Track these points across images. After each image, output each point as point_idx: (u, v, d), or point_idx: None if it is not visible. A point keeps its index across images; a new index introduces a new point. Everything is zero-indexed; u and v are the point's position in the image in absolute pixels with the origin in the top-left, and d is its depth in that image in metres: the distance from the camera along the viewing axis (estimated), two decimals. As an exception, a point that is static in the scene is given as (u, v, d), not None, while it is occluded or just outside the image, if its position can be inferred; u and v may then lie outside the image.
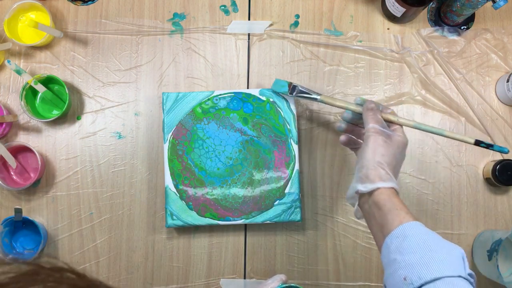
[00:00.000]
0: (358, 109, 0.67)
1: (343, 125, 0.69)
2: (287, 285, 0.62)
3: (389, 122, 0.64)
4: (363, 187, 0.59)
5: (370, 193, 0.59)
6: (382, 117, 0.64)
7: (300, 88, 0.75)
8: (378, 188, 0.58)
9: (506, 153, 0.65)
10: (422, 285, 0.49)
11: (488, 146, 0.64)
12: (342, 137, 0.70)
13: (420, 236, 0.53)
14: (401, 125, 0.64)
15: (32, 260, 0.76)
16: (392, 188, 0.59)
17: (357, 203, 0.62)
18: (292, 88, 0.75)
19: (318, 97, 0.72)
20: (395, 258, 0.52)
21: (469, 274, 0.50)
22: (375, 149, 0.60)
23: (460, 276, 0.49)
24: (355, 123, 0.69)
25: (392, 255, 0.53)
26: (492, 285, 0.81)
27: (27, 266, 0.33)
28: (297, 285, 0.62)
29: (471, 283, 0.50)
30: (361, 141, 0.68)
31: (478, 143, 0.64)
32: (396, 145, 0.61)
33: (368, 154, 0.60)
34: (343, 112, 0.69)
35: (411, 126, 0.65)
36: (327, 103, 0.72)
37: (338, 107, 0.70)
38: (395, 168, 0.61)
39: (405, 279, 0.50)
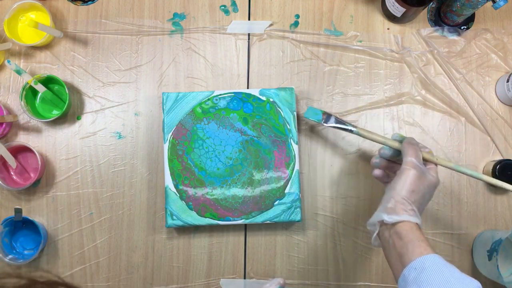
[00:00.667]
0: (396, 145, 0.67)
1: (379, 161, 0.69)
2: None
3: (425, 161, 0.65)
4: (388, 218, 0.60)
5: (393, 223, 0.61)
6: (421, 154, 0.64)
7: (335, 118, 0.72)
8: (403, 221, 0.60)
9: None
10: None
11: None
12: (377, 172, 0.70)
13: (438, 269, 0.54)
14: (438, 164, 0.66)
15: (32, 260, 0.76)
16: (417, 223, 0.60)
17: (377, 231, 0.63)
18: (327, 117, 0.73)
19: (354, 129, 0.71)
20: None
21: None
22: (407, 183, 0.61)
23: None
24: (392, 159, 0.69)
25: (409, 287, 0.54)
26: (492, 285, 0.81)
27: (22, 280, 0.33)
28: None
29: None
30: (394, 174, 0.68)
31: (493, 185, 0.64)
32: (427, 184, 0.62)
33: (399, 186, 0.61)
34: (381, 148, 0.69)
35: (449, 167, 0.67)
36: (364, 136, 0.71)
37: (376, 141, 0.69)
38: (421, 206, 0.62)
39: None
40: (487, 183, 0.68)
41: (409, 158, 0.62)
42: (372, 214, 0.82)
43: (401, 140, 0.67)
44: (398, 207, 0.60)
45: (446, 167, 0.66)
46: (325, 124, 0.73)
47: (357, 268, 0.81)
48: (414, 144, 0.64)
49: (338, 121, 0.73)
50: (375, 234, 0.63)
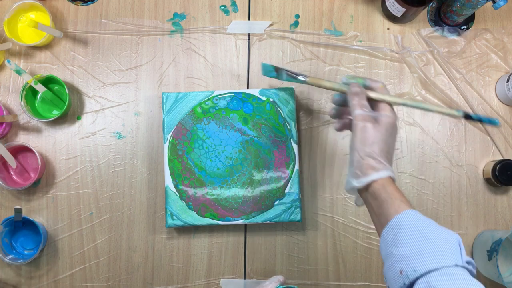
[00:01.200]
0: (346, 89, 0.62)
1: (334, 111, 0.65)
2: (284, 286, 0.62)
3: (376, 101, 0.61)
4: (357, 183, 0.58)
5: (366, 186, 0.58)
6: (369, 96, 0.60)
7: (287, 71, 0.70)
8: (373, 181, 0.57)
9: (497, 124, 0.60)
10: (418, 277, 0.48)
11: (478, 120, 0.60)
12: (336, 125, 0.66)
13: (415, 226, 0.51)
14: (388, 103, 0.60)
15: (32, 260, 0.76)
16: (389, 177, 0.57)
17: (356, 193, 0.60)
18: (279, 72, 0.71)
19: (306, 79, 0.67)
20: (391, 251, 0.52)
21: (467, 262, 0.49)
22: (364, 138, 0.57)
23: (456, 265, 0.47)
24: (347, 105, 0.63)
25: (389, 248, 0.53)
26: (492, 285, 0.81)
27: None
28: (295, 286, 0.63)
29: (469, 270, 0.48)
30: None
31: (467, 116, 0.60)
32: (384, 128, 0.58)
33: (357, 145, 0.57)
34: (333, 95, 0.65)
35: (399, 104, 0.61)
36: (314, 84, 0.66)
37: (325, 88, 0.65)
38: (388, 153, 0.58)
39: (401, 272, 0.49)
40: (438, 113, 0.63)
41: (356, 112, 0.58)
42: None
43: (348, 83, 0.62)
44: (363, 167, 0.57)
45: (396, 104, 0.61)
46: (280, 79, 0.71)
47: (357, 268, 0.81)
48: (357, 93, 0.59)
49: (289, 74, 0.70)
50: (356, 196, 0.60)
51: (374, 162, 0.57)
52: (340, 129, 0.66)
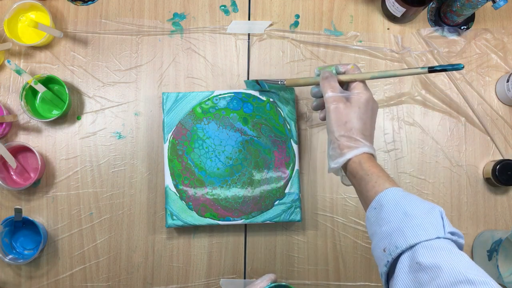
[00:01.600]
0: (317, 79, 0.63)
1: (315, 103, 0.66)
2: (276, 284, 0.62)
3: (348, 82, 0.61)
4: (334, 163, 0.58)
5: (345, 165, 0.58)
6: (340, 79, 0.61)
7: (266, 80, 0.74)
8: (349, 159, 0.56)
9: (460, 68, 0.57)
10: (400, 254, 0.48)
11: (442, 69, 0.58)
12: (320, 115, 0.66)
13: (396, 203, 0.51)
14: (357, 80, 0.60)
15: (32, 260, 0.76)
16: (365, 153, 0.57)
17: (341, 172, 0.60)
18: (261, 83, 0.75)
19: (284, 82, 0.70)
20: (375, 230, 0.52)
21: (451, 232, 0.48)
22: (337, 119, 0.57)
23: (438, 237, 0.47)
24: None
25: (373, 227, 0.53)
26: (492, 285, 0.81)
27: None
28: (287, 284, 0.62)
29: (454, 241, 0.48)
30: None
31: (431, 69, 0.59)
32: (357, 105, 0.58)
33: (332, 127, 0.58)
34: (311, 89, 0.66)
35: (368, 78, 0.61)
36: (292, 85, 0.69)
37: (302, 85, 0.67)
38: (365, 130, 0.58)
39: (384, 250, 0.49)
40: (405, 75, 0.64)
41: (326, 95, 0.59)
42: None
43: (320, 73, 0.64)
44: (339, 147, 0.57)
45: (365, 79, 0.60)
46: (263, 91, 0.76)
47: (357, 268, 0.81)
48: (327, 78, 0.60)
49: (269, 82, 0.74)
50: (341, 177, 0.61)
51: (349, 141, 0.57)
52: (323, 118, 0.66)
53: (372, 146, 0.58)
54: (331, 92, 0.59)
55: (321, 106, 0.66)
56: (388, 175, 0.55)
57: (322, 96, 0.63)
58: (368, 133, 0.59)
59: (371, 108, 0.60)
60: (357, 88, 0.60)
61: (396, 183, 0.54)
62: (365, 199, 0.55)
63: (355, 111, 0.58)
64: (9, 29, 0.80)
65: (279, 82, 0.72)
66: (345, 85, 0.62)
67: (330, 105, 0.58)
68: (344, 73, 0.62)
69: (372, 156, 0.57)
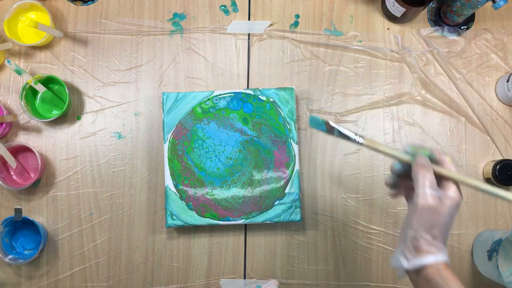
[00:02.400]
0: (408, 158, 0.56)
1: (391, 180, 0.59)
2: None
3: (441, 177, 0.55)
4: (409, 265, 0.53)
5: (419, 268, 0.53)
6: (436, 171, 0.54)
7: (340, 130, 0.60)
8: (427, 265, 0.52)
9: None
10: None
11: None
12: (391, 192, 0.60)
13: None
14: (458, 182, 0.54)
15: (32, 260, 0.76)
16: (443, 261, 0.53)
17: (403, 270, 0.55)
18: (330, 128, 0.61)
19: (362, 140, 0.58)
20: None
21: None
22: (424, 220, 0.53)
23: None
24: (405, 175, 0.58)
25: None
26: (492, 285, 0.81)
27: None
28: None
29: None
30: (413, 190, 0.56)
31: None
32: (447, 210, 0.53)
33: (415, 224, 0.53)
34: (392, 164, 0.58)
35: (472, 187, 0.54)
36: (371, 148, 0.58)
37: (385, 154, 0.58)
38: (446, 236, 0.54)
39: None
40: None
41: (421, 190, 0.53)
42: (373, 214, 0.83)
43: (413, 153, 0.56)
44: (419, 248, 0.53)
45: (467, 185, 0.54)
46: (331, 135, 0.62)
47: (357, 268, 0.81)
48: (425, 166, 0.54)
49: (342, 134, 0.61)
50: (400, 273, 0.56)
51: (431, 246, 0.53)
52: (395, 197, 0.61)
53: (447, 253, 0.54)
54: (428, 189, 0.53)
55: (396, 185, 0.59)
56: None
57: (403, 175, 0.58)
58: (447, 239, 0.55)
59: (456, 213, 0.55)
60: (452, 190, 0.54)
61: None
62: None
63: (444, 216, 0.53)
64: (9, 29, 0.80)
65: (356, 139, 0.59)
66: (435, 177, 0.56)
67: (422, 202, 0.53)
68: (438, 163, 0.56)
69: (447, 264, 0.53)
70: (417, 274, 0.54)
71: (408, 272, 0.55)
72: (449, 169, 0.54)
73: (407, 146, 0.57)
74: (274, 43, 0.85)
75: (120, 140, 0.83)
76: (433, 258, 0.52)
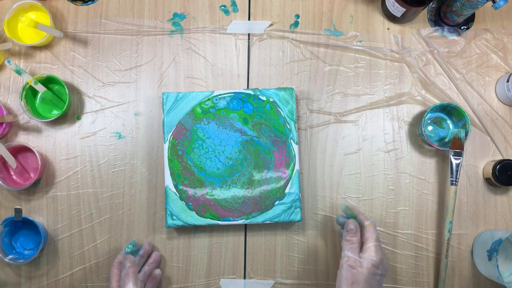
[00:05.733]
0: (342, 220, 0.73)
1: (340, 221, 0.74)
2: None
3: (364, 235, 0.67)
4: None
5: None
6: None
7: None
8: None
9: None
10: None
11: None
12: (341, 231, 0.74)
13: None
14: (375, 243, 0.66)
15: (32, 260, 0.76)
16: None
17: None
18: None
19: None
20: None
21: None
22: (346, 277, 0.63)
23: None
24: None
25: None
26: (492, 285, 0.81)
27: None
28: None
29: None
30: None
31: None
32: (367, 270, 0.63)
33: (341, 285, 0.63)
34: (337, 217, 0.74)
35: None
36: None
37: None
38: None
39: None
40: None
41: (344, 253, 0.66)
42: (373, 214, 0.83)
43: (346, 215, 0.73)
44: None
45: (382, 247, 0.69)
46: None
47: (357, 268, 0.81)
48: (353, 229, 0.67)
49: None
50: None
51: None
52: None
53: None
54: (349, 252, 0.65)
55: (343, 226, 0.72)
56: None
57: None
58: None
59: (380, 272, 0.65)
60: (369, 251, 0.65)
61: None
62: None
63: (363, 274, 0.63)
64: (9, 29, 0.80)
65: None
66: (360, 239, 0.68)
67: (344, 264, 0.64)
68: (361, 225, 0.69)
69: None
70: None
71: None
72: (370, 233, 0.67)
73: (342, 205, 0.73)
74: (274, 43, 0.85)
75: (120, 140, 0.83)
76: None
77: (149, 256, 0.79)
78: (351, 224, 0.68)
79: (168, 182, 0.78)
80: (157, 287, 0.80)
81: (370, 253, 0.65)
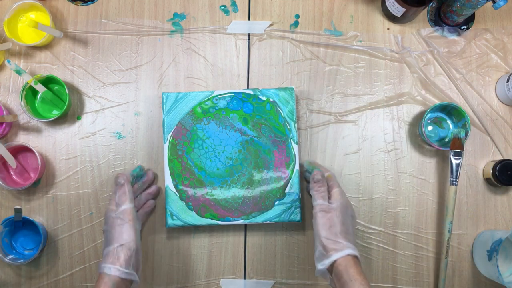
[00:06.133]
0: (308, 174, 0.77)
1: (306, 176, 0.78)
2: None
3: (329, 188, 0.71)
4: (320, 265, 0.63)
5: (331, 267, 0.63)
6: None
7: None
8: (335, 261, 0.62)
9: None
10: None
11: None
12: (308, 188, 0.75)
13: None
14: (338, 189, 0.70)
15: (32, 260, 0.76)
16: (350, 256, 0.62)
17: (328, 275, 0.65)
18: None
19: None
20: None
21: None
22: (323, 223, 0.65)
23: None
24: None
25: None
26: (492, 285, 0.81)
27: None
28: None
29: None
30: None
31: None
32: (339, 211, 0.66)
33: (318, 230, 0.65)
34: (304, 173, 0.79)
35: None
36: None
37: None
38: (348, 232, 0.66)
39: None
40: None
41: (316, 202, 0.68)
42: (373, 214, 0.83)
43: (310, 169, 0.77)
44: (326, 248, 0.63)
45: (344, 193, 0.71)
46: None
47: (357, 268, 0.81)
48: (320, 180, 0.70)
49: None
50: (328, 281, 0.66)
51: (334, 244, 0.63)
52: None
53: (355, 248, 0.64)
54: (320, 200, 0.68)
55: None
56: (369, 284, 0.60)
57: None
58: (351, 236, 0.66)
59: (350, 213, 0.69)
60: (336, 195, 0.69)
61: None
62: None
63: (337, 216, 0.66)
64: (9, 29, 0.80)
65: None
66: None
67: (317, 212, 0.67)
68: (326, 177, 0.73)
69: (357, 259, 0.63)
70: (333, 275, 0.63)
71: (325, 274, 0.64)
72: (333, 181, 0.71)
73: (305, 161, 0.77)
74: (274, 43, 0.85)
75: (120, 140, 0.83)
76: (338, 254, 0.62)
77: (149, 186, 0.80)
78: (318, 174, 0.71)
79: (168, 182, 0.78)
80: (157, 287, 0.80)
81: (337, 197, 0.68)
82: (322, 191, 0.69)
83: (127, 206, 0.69)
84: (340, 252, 0.62)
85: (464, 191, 0.82)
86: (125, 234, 0.67)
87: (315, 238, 0.66)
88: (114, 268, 0.64)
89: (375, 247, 0.81)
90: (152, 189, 0.79)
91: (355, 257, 0.63)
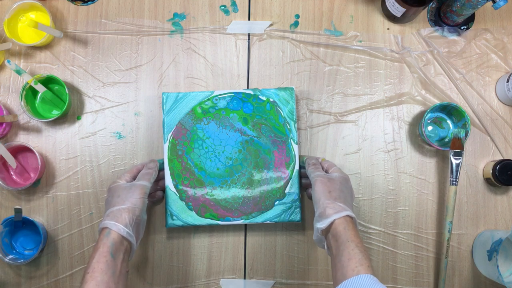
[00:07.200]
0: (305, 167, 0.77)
1: (303, 181, 0.80)
2: None
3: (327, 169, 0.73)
4: (320, 224, 0.64)
5: (329, 228, 0.64)
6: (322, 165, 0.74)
7: None
8: (334, 221, 0.63)
9: None
10: None
11: None
12: (308, 192, 0.79)
13: None
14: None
15: (32, 260, 0.76)
16: (348, 216, 0.64)
17: (325, 243, 0.66)
18: None
19: None
20: None
21: None
22: (322, 189, 0.67)
23: None
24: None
25: None
26: (492, 285, 0.81)
27: None
28: None
29: None
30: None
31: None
32: (338, 181, 0.69)
33: (318, 195, 0.67)
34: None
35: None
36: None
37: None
38: (346, 200, 0.67)
39: None
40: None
41: (313, 174, 0.70)
42: (373, 214, 0.83)
43: (304, 161, 0.78)
44: (326, 210, 0.64)
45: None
46: None
47: (357, 268, 0.81)
48: (315, 164, 0.73)
49: None
50: (325, 246, 0.66)
51: (333, 207, 0.64)
52: (311, 196, 0.75)
53: (353, 213, 0.65)
54: (317, 171, 0.71)
55: (309, 185, 0.76)
56: (365, 250, 0.61)
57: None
58: (349, 204, 0.67)
59: (350, 187, 0.70)
60: (336, 171, 0.71)
61: (370, 265, 0.61)
62: (340, 268, 0.60)
63: (337, 185, 0.68)
64: (9, 29, 0.80)
65: None
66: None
67: (317, 179, 0.69)
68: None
69: (354, 222, 0.65)
70: (330, 236, 0.64)
71: (326, 240, 0.65)
72: (329, 163, 0.74)
73: (303, 157, 0.78)
74: (274, 43, 0.85)
75: (120, 140, 0.83)
76: (337, 214, 0.63)
77: (158, 180, 0.79)
78: (313, 158, 0.75)
79: (168, 182, 0.78)
80: (157, 287, 0.80)
81: (336, 171, 0.71)
82: (319, 169, 0.72)
83: (145, 183, 0.69)
84: (339, 213, 0.63)
85: (464, 191, 0.82)
86: (132, 198, 0.66)
87: (314, 204, 0.68)
88: (115, 225, 0.62)
89: (375, 247, 0.81)
90: (162, 182, 0.79)
91: (352, 219, 0.65)
